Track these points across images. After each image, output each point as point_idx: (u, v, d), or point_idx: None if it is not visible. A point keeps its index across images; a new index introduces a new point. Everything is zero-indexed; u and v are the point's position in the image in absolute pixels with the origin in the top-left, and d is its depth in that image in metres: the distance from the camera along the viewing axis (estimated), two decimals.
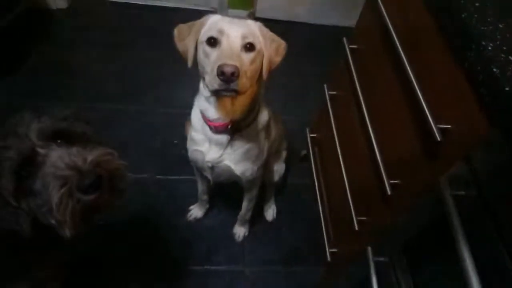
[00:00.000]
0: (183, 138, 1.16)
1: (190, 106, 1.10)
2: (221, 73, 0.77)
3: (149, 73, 2.02)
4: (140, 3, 2.38)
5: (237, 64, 0.78)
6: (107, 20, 2.27)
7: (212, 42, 0.85)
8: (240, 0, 2.30)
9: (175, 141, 1.78)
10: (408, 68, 0.76)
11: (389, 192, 0.83)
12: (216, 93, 0.85)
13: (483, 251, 0.64)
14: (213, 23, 0.89)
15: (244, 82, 0.81)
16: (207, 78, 0.84)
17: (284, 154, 1.51)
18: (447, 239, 0.66)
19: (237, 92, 0.81)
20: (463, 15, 0.63)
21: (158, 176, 1.68)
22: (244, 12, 2.35)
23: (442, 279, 0.78)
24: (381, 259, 0.94)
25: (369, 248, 0.95)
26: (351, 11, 2.17)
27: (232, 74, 0.77)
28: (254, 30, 0.91)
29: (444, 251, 0.74)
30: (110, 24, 2.25)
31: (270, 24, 2.64)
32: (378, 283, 0.91)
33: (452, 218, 0.63)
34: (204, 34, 0.88)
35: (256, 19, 2.44)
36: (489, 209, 0.61)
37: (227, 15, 2.33)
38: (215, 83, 0.79)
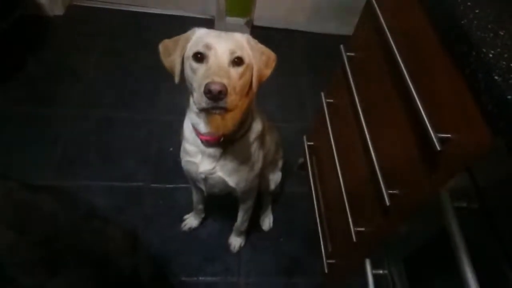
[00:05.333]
0: (179, 146, 1.14)
1: (185, 113, 1.08)
2: (208, 91, 0.74)
3: (145, 80, 2.00)
4: (138, 10, 2.37)
5: (225, 81, 0.76)
6: (104, 27, 2.25)
7: (199, 57, 0.82)
8: (238, 8, 2.29)
9: (171, 149, 1.75)
10: (407, 76, 0.74)
11: (387, 203, 0.80)
12: (205, 111, 0.82)
13: (485, 266, 0.61)
14: (199, 38, 0.86)
15: (233, 99, 0.78)
16: (195, 95, 0.81)
17: (280, 162, 1.49)
18: (449, 252, 0.64)
19: (226, 110, 0.78)
20: (462, 22, 0.62)
21: (153, 185, 1.66)
22: (242, 20, 2.35)
23: None
24: (380, 272, 0.91)
25: (368, 261, 0.92)
26: (350, 19, 2.16)
27: (220, 92, 0.74)
28: (242, 43, 0.88)
29: (445, 265, 0.71)
30: (107, 31, 2.24)
31: (268, 32, 2.64)
32: None
33: (452, 231, 0.60)
34: (190, 49, 0.86)
35: (254, 27, 2.45)
36: (492, 222, 0.59)
37: (224, 23, 2.33)
38: (203, 102, 0.77)
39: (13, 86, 1.88)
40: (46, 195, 0.85)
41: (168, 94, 1.93)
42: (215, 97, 0.75)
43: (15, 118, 1.77)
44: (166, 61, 0.91)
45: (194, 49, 0.84)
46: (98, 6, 2.34)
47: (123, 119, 1.86)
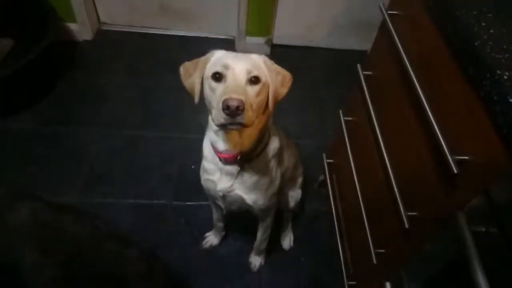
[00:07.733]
0: (201, 164, 1.16)
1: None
2: (226, 107, 0.77)
3: (168, 100, 2.07)
4: (161, 32, 2.47)
5: (242, 98, 0.78)
6: (130, 50, 2.36)
7: (218, 77, 0.86)
8: (258, 28, 2.34)
9: (193, 166, 1.78)
10: (422, 97, 0.74)
11: (406, 225, 0.79)
12: (223, 127, 0.85)
13: None
14: (218, 59, 0.91)
15: (250, 115, 0.80)
16: (213, 112, 0.84)
17: (300, 180, 1.48)
18: (469, 277, 0.62)
19: (243, 125, 0.81)
20: (476, 43, 0.61)
21: (175, 202, 1.69)
22: (261, 39, 2.39)
23: None
24: None
25: (388, 284, 0.90)
26: (369, 34, 2.16)
27: (237, 108, 0.77)
28: (259, 63, 0.91)
29: None
30: (133, 53, 2.34)
31: (288, 50, 2.65)
32: None
33: (470, 255, 0.58)
34: (209, 70, 0.89)
35: (274, 45, 2.48)
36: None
37: (245, 42, 2.38)
38: (221, 118, 0.80)
39: (43, 108, 1.98)
40: (69, 215, 0.89)
41: (190, 114, 1.98)
42: (233, 113, 0.78)
43: (45, 137, 1.86)
44: (186, 83, 0.95)
45: (213, 70, 0.87)
46: (125, 30, 2.46)
47: (148, 137, 1.92)
